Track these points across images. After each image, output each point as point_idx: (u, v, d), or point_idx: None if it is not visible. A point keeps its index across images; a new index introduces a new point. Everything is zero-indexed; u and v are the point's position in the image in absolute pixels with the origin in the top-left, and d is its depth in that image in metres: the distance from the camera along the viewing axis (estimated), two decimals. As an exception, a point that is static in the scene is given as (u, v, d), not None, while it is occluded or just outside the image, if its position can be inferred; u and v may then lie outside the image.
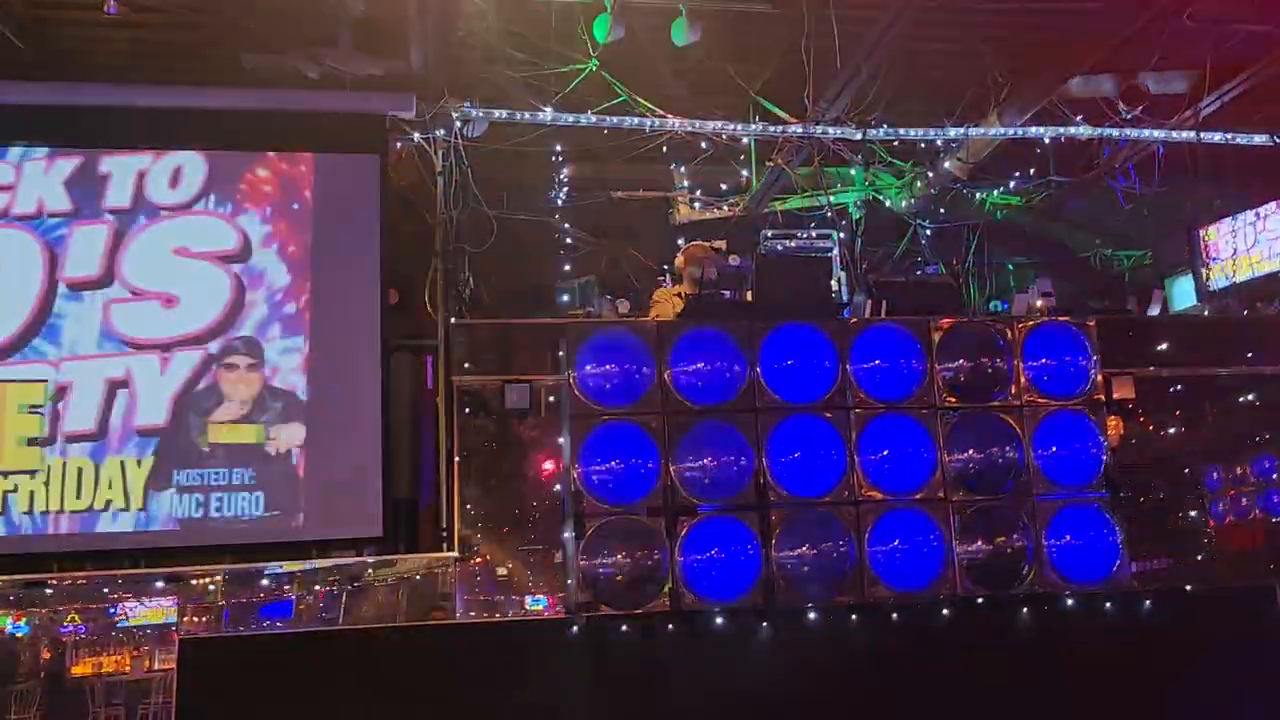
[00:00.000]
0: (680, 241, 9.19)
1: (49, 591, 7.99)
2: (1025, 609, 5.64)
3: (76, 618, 10.39)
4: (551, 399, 6.33)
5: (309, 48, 7.11)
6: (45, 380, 6.57)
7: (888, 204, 9.81)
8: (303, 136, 7.07)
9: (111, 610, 10.53)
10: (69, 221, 6.76)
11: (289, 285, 6.91)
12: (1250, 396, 8.15)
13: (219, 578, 7.41)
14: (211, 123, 6.95)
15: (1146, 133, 8.77)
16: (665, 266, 9.59)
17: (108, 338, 6.68)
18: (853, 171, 9.48)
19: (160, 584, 7.34)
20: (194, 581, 7.45)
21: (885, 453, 5.73)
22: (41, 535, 6.42)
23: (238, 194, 6.97)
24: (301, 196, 7.05)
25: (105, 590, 8.10)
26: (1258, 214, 9.17)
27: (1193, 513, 9.90)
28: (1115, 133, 8.75)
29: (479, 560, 6.80)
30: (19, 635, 10.13)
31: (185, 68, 7.54)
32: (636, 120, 7.92)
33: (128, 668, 10.64)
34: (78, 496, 6.49)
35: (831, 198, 9.35)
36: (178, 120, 6.92)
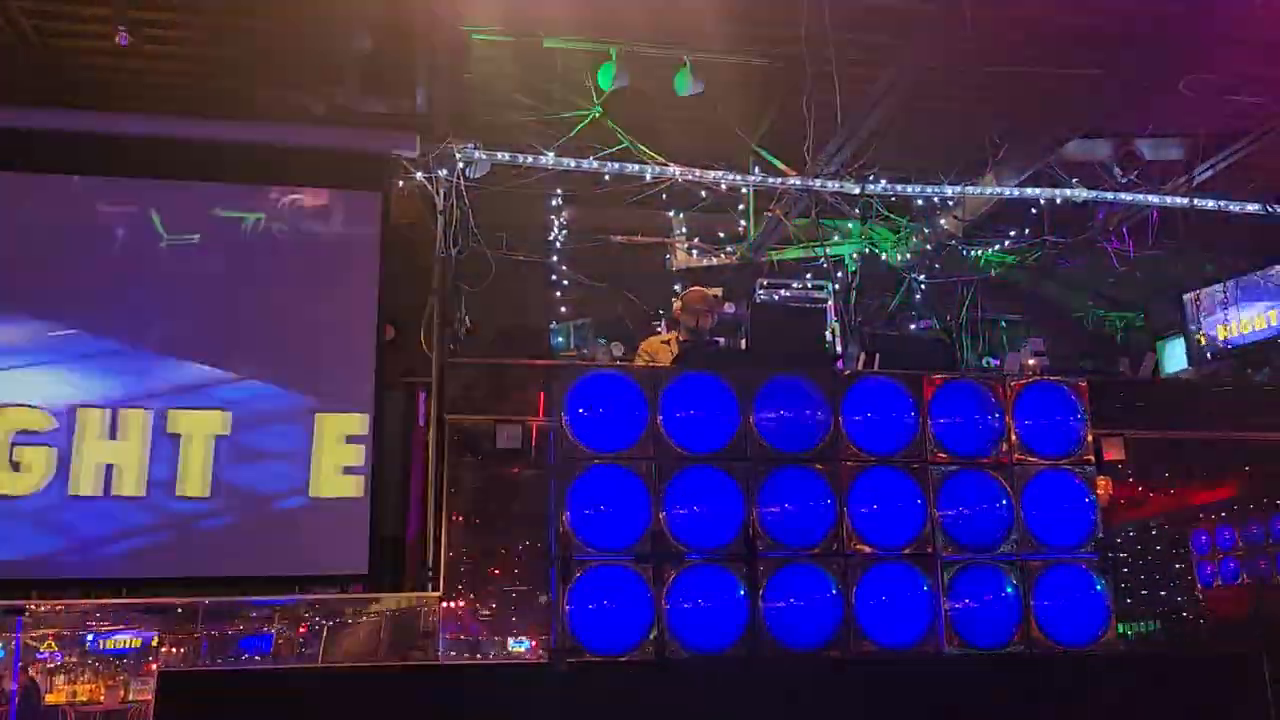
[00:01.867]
0: (677, 287, 9.25)
1: (26, 618, 7.91)
2: (1011, 669, 5.61)
3: (53, 644, 10.27)
4: (543, 440, 6.32)
5: (315, 84, 7.19)
6: None
7: (883, 258, 9.89)
8: (306, 172, 7.11)
9: (88, 638, 10.40)
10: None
11: (286, 318, 6.92)
12: (1239, 461, 8.18)
13: (199, 609, 7.35)
14: (216, 155, 7.00)
15: (1140, 197, 8.88)
16: (660, 311, 9.64)
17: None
18: (850, 224, 9.57)
19: (141, 613, 7.26)
20: (175, 612, 7.38)
21: (875, 506, 5.73)
22: (25, 560, 6.38)
23: (238, 227, 7.01)
24: (302, 231, 7.09)
25: (86, 619, 8.01)
26: (1249, 280, 9.27)
27: (1181, 577, 9.89)
28: (1110, 196, 8.86)
29: (462, 600, 6.75)
30: (-7, 661, 10.01)
31: (192, 99, 7.62)
32: (637, 167, 8.00)
33: (102, 697, 10.49)
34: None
35: (828, 250, 9.42)
36: (182, 151, 6.97)
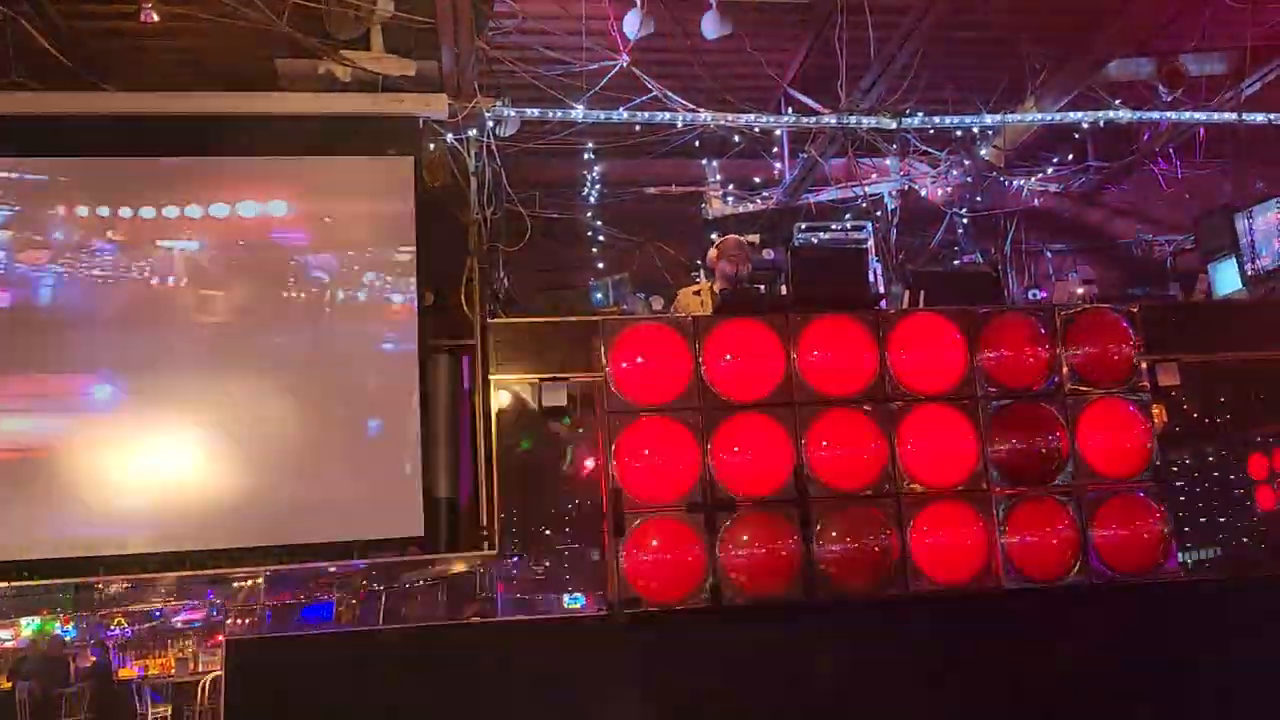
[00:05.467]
0: (714, 236, 9.18)
1: (96, 595, 8.12)
2: (1071, 601, 5.57)
3: (123, 621, 10.54)
4: (588, 396, 6.32)
5: (340, 51, 7.15)
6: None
7: (924, 193, 9.72)
8: (336, 140, 7.10)
9: (156, 613, 10.67)
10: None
11: (325, 288, 6.95)
12: (1298, 382, 7.98)
13: (262, 580, 7.48)
14: (246, 128, 7.00)
15: (1187, 115, 8.63)
16: (699, 262, 9.57)
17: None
18: (888, 161, 9.40)
19: (205, 586, 7.41)
20: (237, 584, 7.52)
21: (927, 444, 5.67)
22: (89, 538, 6.52)
23: (268, 200, 7.02)
24: (336, 200, 7.09)
25: (153, 594, 8.20)
26: (1303, 195, 9.01)
27: (1241, 501, 9.73)
28: (1155, 116, 8.62)
29: (517, 558, 6.81)
30: (67, 639, 10.31)
31: (220, 74, 7.61)
32: (668, 115, 7.90)
33: (173, 670, 10.77)
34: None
35: (866, 188, 9.27)
36: (212, 126, 6.98)
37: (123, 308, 6.70)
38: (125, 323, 6.68)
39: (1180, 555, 6.26)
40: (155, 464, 6.59)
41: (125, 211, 6.81)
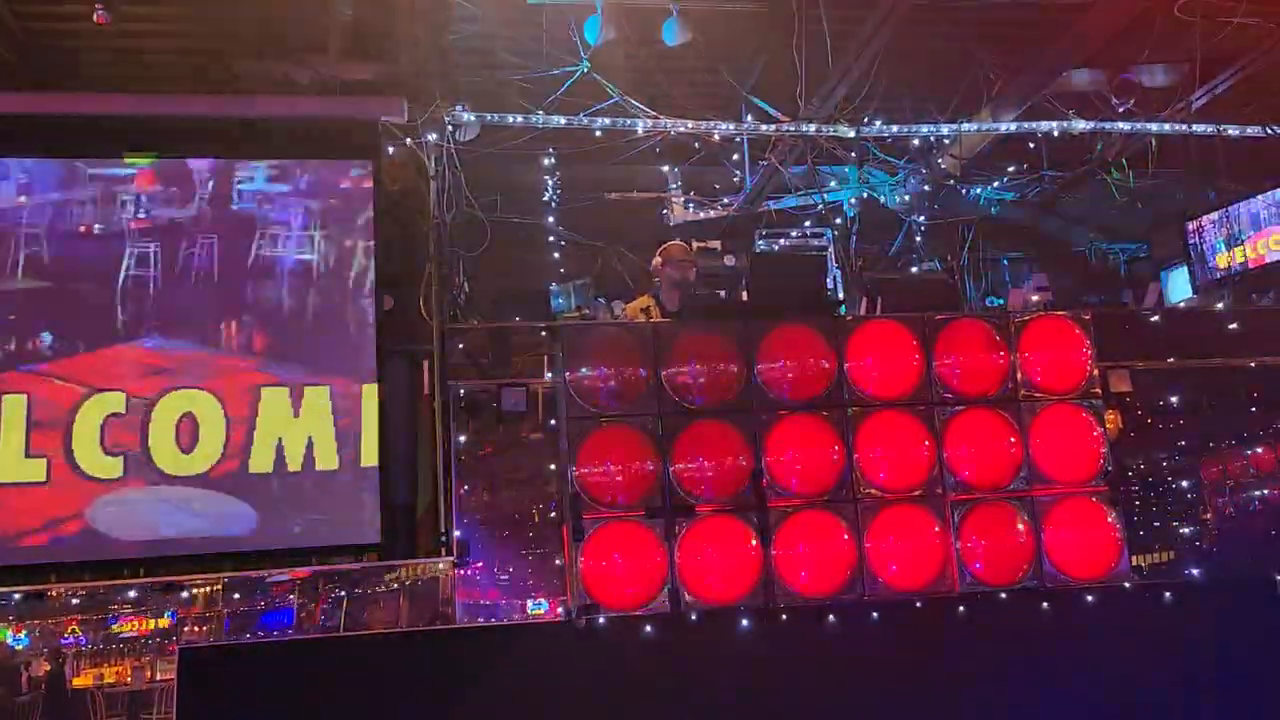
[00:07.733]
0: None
1: (49, 603, 7.99)
2: (1026, 605, 5.63)
3: (77, 629, 10.37)
4: (549, 401, 6.32)
5: (298, 54, 7.11)
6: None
7: (882, 201, 9.81)
8: (294, 143, 7.05)
9: (111, 621, 10.50)
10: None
11: (282, 293, 6.90)
12: (1248, 387, 8.14)
13: (219, 586, 7.41)
14: (202, 131, 6.94)
15: (1139, 125, 8.78)
16: (659, 267, 9.57)
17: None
18: (846, 169, 9.48)
19: (159, 593, 7.32)
20: (194, 591, 7.43)
21: (883, 450, 5.71)
22: (37, 547, 6.42)
23: (228, 203, 6.96)
24: (294, 203, 7.04)
25: (104, 601, 8.08)
26: (1251, 205, 9.18)
27: (1193, 505, 9.89)
28: (1108, 126, 8.76)
29: (479, 565, 6.79)
30: (19, 648, 10.11)
31: (175, 76, 7.54)
32: (629, 121, 7.92)
33: (129, 678, 10.60)
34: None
35: (825, 196, 9.33)
36: (168, 130, 6.91)
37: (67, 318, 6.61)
38: (64, 329, 6.60)
39: (1133, 559, 6.34)
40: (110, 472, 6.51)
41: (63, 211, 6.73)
